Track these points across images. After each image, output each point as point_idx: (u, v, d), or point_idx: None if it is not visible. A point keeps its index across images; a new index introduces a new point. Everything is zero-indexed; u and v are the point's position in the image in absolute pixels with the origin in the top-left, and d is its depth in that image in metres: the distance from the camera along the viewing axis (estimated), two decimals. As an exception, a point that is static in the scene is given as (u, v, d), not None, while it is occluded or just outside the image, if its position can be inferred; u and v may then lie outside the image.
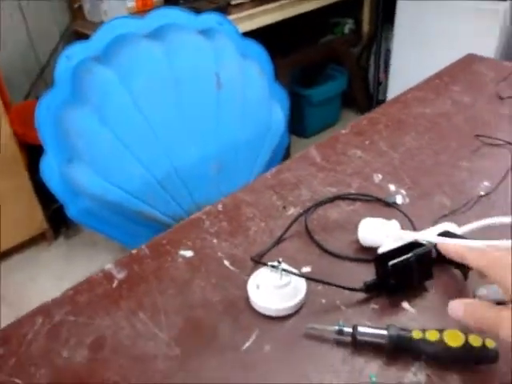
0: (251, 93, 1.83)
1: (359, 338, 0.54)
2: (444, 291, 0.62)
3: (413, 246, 0.61)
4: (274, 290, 0.59)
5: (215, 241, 0.71)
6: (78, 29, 2.30)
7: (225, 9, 2.16)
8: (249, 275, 0.63)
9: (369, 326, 0.55)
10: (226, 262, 0.67)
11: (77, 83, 1.71)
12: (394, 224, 0.67)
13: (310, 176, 0.85)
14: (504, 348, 0.50)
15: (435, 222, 0.70)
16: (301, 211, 0.75)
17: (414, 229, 0.71)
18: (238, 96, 1.78)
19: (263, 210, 0.77)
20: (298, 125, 2.78)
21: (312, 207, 0.76)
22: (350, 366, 0.53)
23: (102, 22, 2.01)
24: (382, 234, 0.65)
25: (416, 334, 0.52)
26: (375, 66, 2.97)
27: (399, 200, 0.78)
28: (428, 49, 2.40)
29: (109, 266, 0.68)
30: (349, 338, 0.55)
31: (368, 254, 0.66)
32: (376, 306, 0.60)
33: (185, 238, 0.72)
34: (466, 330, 0.51)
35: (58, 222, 2.24)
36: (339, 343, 0.55)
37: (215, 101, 1.71)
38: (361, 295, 0.61)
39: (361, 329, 0.54)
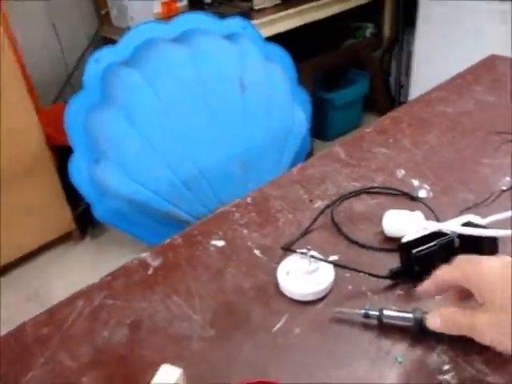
0: (274, 95, 1.86)
1: (385, 320, 0.57)
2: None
3: (436, 235, 0.63)
4: (303, 275, 0.62)
5: (245, 231, 0.74)
6: (105, 34, 2.37)
7: (248, 14, 2.21)
8: (278, 263, 0.66)
9: (394, 310, 0.57)
10: (256, 251, 0.70)
11: (105, 86, 1.76)
12: (417, 215, 0.69)
13: (335, 172, 0.88)
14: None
15: (458, 215, 0.72)
16: (328, 204, 0.78)
17: (438, 221, 0.73)
18: (261, 98, 1.82)
19: (290, 202, 0.80)
20: (321, 128, 2.81)
21: (338, 200, 0.79)
22: (376, 348, 0.56)
23: (128, 28, 2.07)
24: (406, 224, 0.68)
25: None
26: (397, 69, 2.98)
27: (422, 194, 0.80)
28: (450, 51, 2.41)
29: (144, 255, 0.72)
30: (375, 321, 0.58)
31: (393, 243, 0.69)
32: (401, 292, 0.62)
33: (216, 229, 0.75)
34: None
35: (85, 221, 2.30)
36: (366, 326, 0.58)
37: (240, 103, 1.75)
38: (386, 282, 0.63)
39: (386, 312, 0.57)
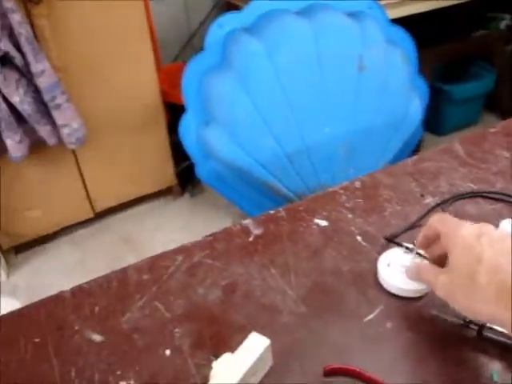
0: (392, 79, 1.80)
1: (486, 334, 0.54)
2: None
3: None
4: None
5: (350, 215, 0.73)
6: (230, 0, 2.39)
7: (377, -7, 2.13)
8: (379, 253, 0.65)
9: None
10: (359, 237, 0.69)
11: (225, 51, 1.79)
12: (540, 229, 0.64)
13: (451, 169, 0.84)
14: None
15: None
16: (438, 201, 0.75)
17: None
18: (378, 81, 1.76)
19: (400, 194, 0.77)
20: (434, 121, 2.67)
21: (450, 199, 0.75)
22: (471, 360, 0.53)
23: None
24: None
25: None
26: (529, 68, 2.75)
27: (547, 208, 0.74)
28: None
29: (246, 221, 0.73)
30: (473, 333, 0.55)
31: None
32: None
33: (320, 208, 0.75)
34: None
35: (185, 179, 2.39)
36: (463, 336, 0.55)
37: (356, 83, 1.71)
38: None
39: (489, 325, 0.54)
